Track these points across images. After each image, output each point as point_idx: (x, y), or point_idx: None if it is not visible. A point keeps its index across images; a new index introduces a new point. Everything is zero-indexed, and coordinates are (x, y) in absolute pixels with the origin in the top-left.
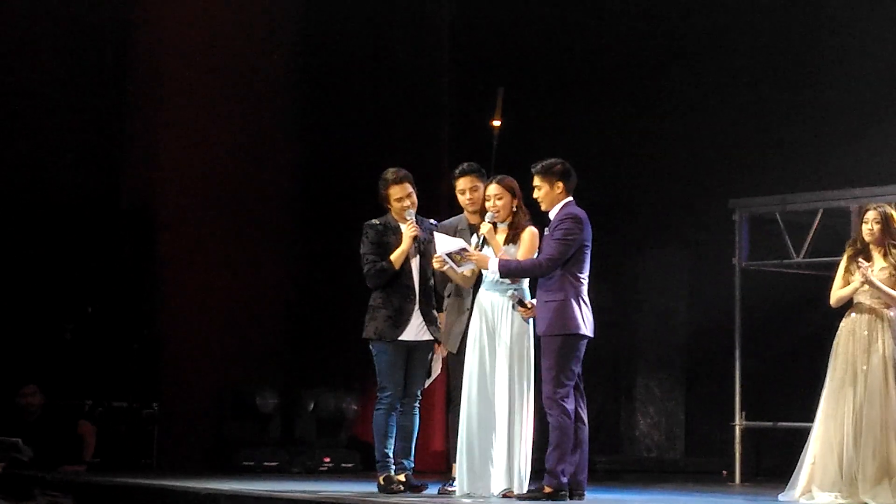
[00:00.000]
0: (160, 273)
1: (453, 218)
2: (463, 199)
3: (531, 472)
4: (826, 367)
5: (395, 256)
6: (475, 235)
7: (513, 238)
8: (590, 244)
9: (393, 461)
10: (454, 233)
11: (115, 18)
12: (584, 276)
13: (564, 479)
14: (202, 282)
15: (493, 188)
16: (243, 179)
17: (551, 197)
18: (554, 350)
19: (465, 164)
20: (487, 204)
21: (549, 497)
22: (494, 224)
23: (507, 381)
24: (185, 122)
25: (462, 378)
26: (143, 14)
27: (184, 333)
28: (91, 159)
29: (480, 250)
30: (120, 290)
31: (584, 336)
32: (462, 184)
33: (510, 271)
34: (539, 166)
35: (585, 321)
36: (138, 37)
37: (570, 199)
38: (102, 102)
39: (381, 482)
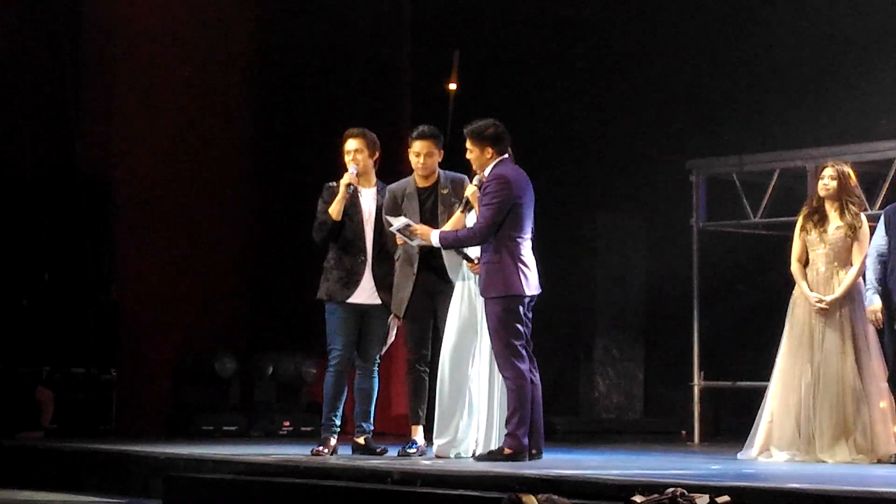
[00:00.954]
0: (117, 239)
1: (401, 181)
2: (416, 162)
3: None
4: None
5: (333, 207)
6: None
7: None
8: (527, 201)
9: (338, 426)
10: (402, 196)
11: None
12: (523, 236)
13: (525, 441)
14: (159, 247)
15: None
16: (200, 145)
17: (481, 161)
18: (496, 312)
19: (425, 127)
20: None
21: (508, 458)
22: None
23: (490, 349)
24: (142, 89)
25: (415, 342)
26: None
27: (142, 299)
28: (47, 126)
29: (466, 212)
30: (77, 256)
31: (525, 296)
32: (418, 147)
33: (450, 243)
34: (470, 129)
35: (524, 281)
36: (93, 3)
37: (504, 156)
38: (58, 69)
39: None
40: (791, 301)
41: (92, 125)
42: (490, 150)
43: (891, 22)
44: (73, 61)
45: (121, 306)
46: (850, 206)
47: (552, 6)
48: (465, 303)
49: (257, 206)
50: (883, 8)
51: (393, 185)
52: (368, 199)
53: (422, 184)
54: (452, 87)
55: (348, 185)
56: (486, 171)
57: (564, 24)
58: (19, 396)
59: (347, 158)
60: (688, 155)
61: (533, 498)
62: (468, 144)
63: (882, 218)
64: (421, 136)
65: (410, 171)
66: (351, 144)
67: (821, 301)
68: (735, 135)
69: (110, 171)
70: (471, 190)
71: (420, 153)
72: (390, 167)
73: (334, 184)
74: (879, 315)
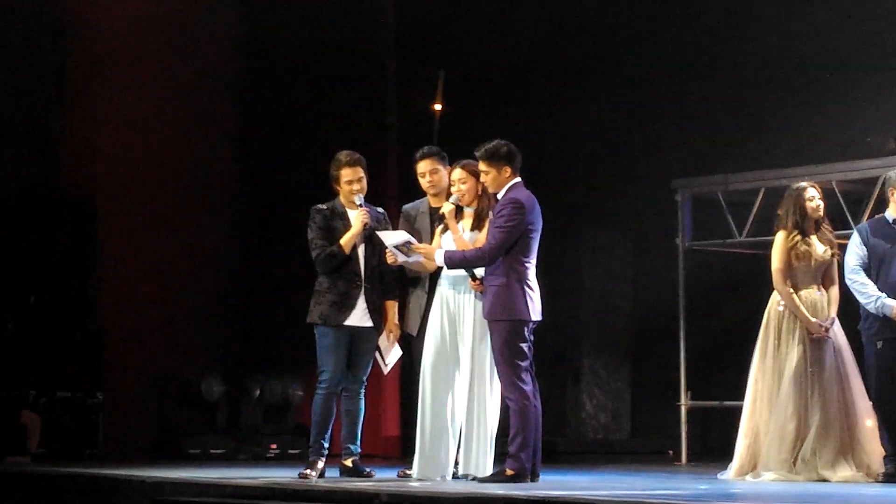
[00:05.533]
0: (102, 262)
1: (416, 202)
2: (423, 183)
3: (494, 455)
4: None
5: (345, 240)
6: (438, 219)
7: (477, 224)
8: (537, 227)
9: (326, 449)
10: (415, 216)
11: (55, 7)
12: (530, 260)
13: (528, 464)
14: (144, 270)
15: (457, 173)
16: (184, 166)
17: (499, 181)
18: (500, 335)
19: (426, 148)
20: (452, 188)
21: (510, 479)
22: (461, 208)
23: (469, 365)
24: (125, 110)
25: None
26: (83, 2)
27: (127, 322)
28: (30, 148)
29: (443, 232)
30: (62, 279)
31: (529, 321)
32: (422, 167)
33: (455, 263)
34: (483, 151)
35: (530, 306)
36: (77, 24)
37: (518, 180)
38: (42, 91)
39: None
40: (769, 320)
41: (75, 147)
42: (508, 168)
43: (873, 41)
44: (56, 82)
45: (106, 329)
46: (823, 224)
47: (538, 27)
48: (445, 318)
49: (244, 227)
50: (866, 27)
51: (407, 206)
52: (356, 222)
53: (435, 203)
54: (438, 107)
55: (365, 223)
56: (501, 193)
57: (550, 44)
58: (5, 421)
59: (353, 188)
60: (673, 174)
61: None
62: (483, 167)
63: (856, 233)
64: (423, 156)
65: (396, 191)
66: (354, 173)
67: (825, 328)
68: (720, 154)
69: (94, 193)
70: (447, 207)
71: (425, 172)
72: (376, 188)
73: (323, 206)
74: None
